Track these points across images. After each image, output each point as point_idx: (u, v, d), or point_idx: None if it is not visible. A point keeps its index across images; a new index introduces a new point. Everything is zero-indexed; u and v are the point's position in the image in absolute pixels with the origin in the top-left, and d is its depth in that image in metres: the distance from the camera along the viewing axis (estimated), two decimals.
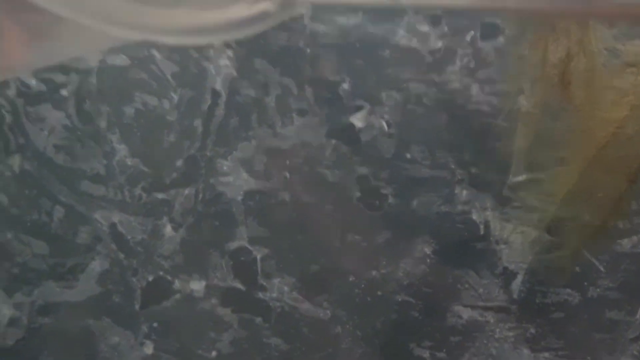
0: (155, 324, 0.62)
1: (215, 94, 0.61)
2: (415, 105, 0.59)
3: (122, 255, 0.62)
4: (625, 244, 0.57)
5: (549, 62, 0.52)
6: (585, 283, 0.58)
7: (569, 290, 0.58)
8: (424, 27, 0.59)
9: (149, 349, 0.62)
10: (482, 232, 0.59)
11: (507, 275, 0.59)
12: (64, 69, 0.61)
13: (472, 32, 0.58)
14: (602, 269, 0.58)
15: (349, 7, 0.59)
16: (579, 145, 0.55)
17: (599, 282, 0.58)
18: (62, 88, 0.61)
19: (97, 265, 0.61)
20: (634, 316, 0.58)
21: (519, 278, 0.59)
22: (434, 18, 0.59)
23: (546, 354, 0.59)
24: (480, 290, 0.60)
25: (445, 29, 0.59)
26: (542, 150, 0.55)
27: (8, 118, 0.62)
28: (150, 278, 0.62)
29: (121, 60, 0.61)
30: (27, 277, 0.61)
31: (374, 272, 0.61)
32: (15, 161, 0.62)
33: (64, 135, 0.61)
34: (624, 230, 0.57)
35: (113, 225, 0.62)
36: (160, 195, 0.61)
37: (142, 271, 0.62)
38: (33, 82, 0.61)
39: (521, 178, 0.58)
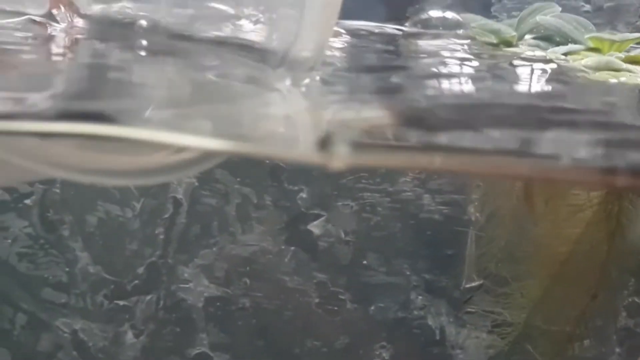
0: None
1: (177, 203, 0.62)
2: (370, 214, 0.61)
3: None
4: (578, 350, 0.59)
5: None
6: None
7: None
8: None
9: None
10: (437, 337, 0.61)
11: None
12: None
13: None
14: None
15: None
16: (543, 260, 0.56)
17: None
18: (27, 198, 0.62)
19: None
20: None
21: None
22: None
23: None
24: None
25: None
26: (508, 263, 0.57)
27: None
28: None
29: None
30: None
31: None
32: None
33: (27, 244, 0.62)
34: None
35: (74, 332, 0.62)
36: (121, 302, 0.62)
37: None
38: None
39: (474, 284, 0.60)
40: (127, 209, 0.62)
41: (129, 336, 0.62)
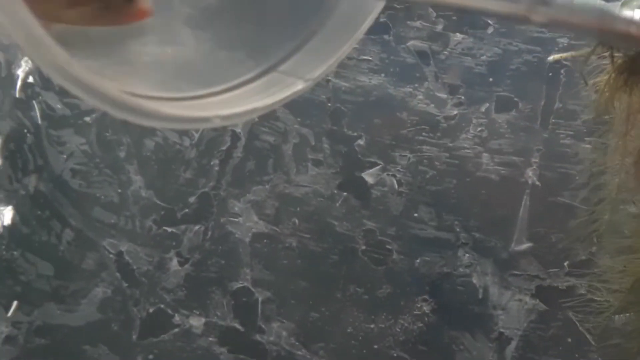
0: (151, 356, 0.62)
1: (235, 137, 0.62)
2: (427, 168, 0.61)
3: (125, 284, 0.62)
4: (618, 320, 0.59)
5: (627, 150, 0.53)
6: (577, 355, 0.60)
7: None
8: (442, 94, 0.61)
9: None
10: (480, 296, 0.61)
11: (502, 341, 0.61)
12: None
13: (487, 104, 0.61)
14: (593, 342, 0.59)
15: (372, 68, 0.62)
16: None
17: (590, 355, 0.59)
18: (87, 115, 0.62)
19: (99, 292, 0.62)
20: None
21: (513, 344, 0.60)
22: (452, 87, 0.62)
23: None
24: (475, 353, 0.61)
25: (462, 97, 0.61)
26: (609, 237, 0.57)
27: (29, 139, 0.63)
28: (151, 310, 0.62)
29: None
30: (29, 296, 0.62)
31: (372, 326, 0.62)
32: (31, 181, 0.63)
33: (82, 161, 0.63)
34: (619, 307, 0.59)
35: (120, 254, 0.63)
36: (170, 229, 0.63)
37: (144, 302, 0.62)
38: (59, 105, 0.63)
39: (523, 247, 0.60)
40: (185, 137, 0.62)
41: (174, 263, 0.62)
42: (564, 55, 0.59)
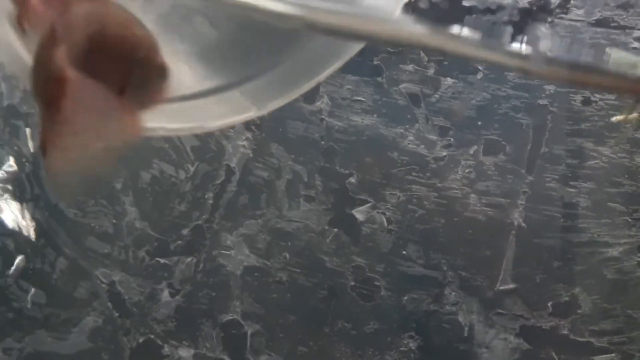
0: None
1: (230, 171, 0.64)
2: (416, 207, 0.63)
3: (116, 314, 0.63)
4: None
5: None
6: None
7: None
8: (432, 136, 0.63)
9: None
10: (466, 334, 0.62)
11: None
12: None
13: (476, 146, 0.63)
14: None
15: (365, 109, 0.64)
16: None
17: None
18: None
19: (90, 321, 0.63)
20: None
21: None
22: (442, 129, 0.63)
23: None
24: None
25: (452, 139, 0.63)
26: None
27: (28, 168, 0.64)
28: (141, 340, 0.63)
29: None
30: (21, 323, 0.62)
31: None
32: (28, 209, 0.64)
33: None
34: (600, 347, 0.60)
35: (112, 284, 0.64)
36: (162, 260, 0.64)
37: (134, 332, 0.63)
38: None
39: (508, 287, 0.61)
40: (181, 171, 0.64)
41: (165, 294, 0.63)
42: (629, 116, 0.60)
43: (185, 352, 0.63)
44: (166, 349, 0.63)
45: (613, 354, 0.60)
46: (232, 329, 0.63)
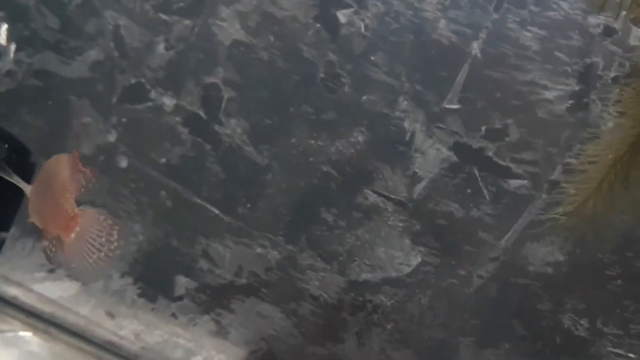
0: (124, 119, 0.73)
1: None
2: (392, 20, 0.71)
3: (116, 54, 0.72)
4: (512, 184, 0.71)
5: None
6: (471, 204, 0.71)
7: (456, 206, 0.72)
8: None
9: (112, 137, 0.73)
10: (407, 138, 0.72)
11: (415, 179, 0.72)
12: None
13: None
14: (487, 197, 0.71)
15: None
16: None
17: (482, 207, 0.71)
18: None
19: (93, 54, 0.72)
20: (499, 241, 0.71)
21: (423, 183, 0.72)
22: None
23: (422, 249, 0.73)
24: (390, 183, 0.73)
25: None
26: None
27: None
28: (133, 81, 0.73)
29: None
30: (34, 42, 0.72)
31: (312, 142, 0.73)
32: None
33: None
34: (516, 173, 0.70)
35: (117, 27, 0.72)
36: (164, 16, 0.72)
37: (129, 73, 0.73)
38: None
39: (453, 106, 0.71)
40: None
41: (161, 47, 0.72)
42: None
43: (168, 100, 0.73)
44: (153, 94, 0.73)
45: (526, 181, 0.71)
46: (212, 91, 0.73)
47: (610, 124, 0.67)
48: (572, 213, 0.66)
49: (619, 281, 0.70)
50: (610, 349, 0.70)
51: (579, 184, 0.64)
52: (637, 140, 0.59)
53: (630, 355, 0.70)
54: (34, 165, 0.60)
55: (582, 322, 0.71)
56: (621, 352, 0.70)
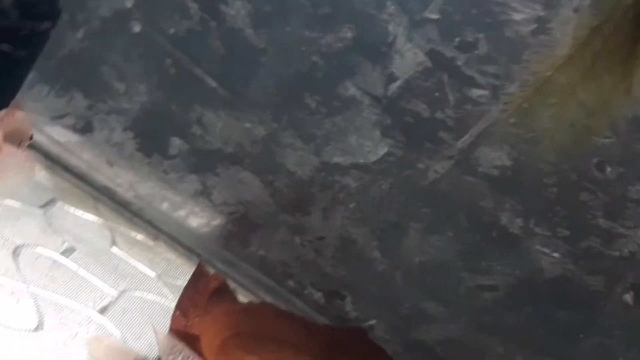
0: None
1: None
2: None
3: None
4: (474, 92, 0.80)
5: None
6: (437, 106, 0.81)
7: (424, 106, 0.81)
8: None
9: (129, 3, 0.82)
10: (390, 40, 0.81)
11: (391, 78, 0.82)
12: None
13: None
14: (451, 102, 0.81)
15: None
16: None
17: (446, 110, 0.81)
18: None
19: None
20: (456, 142, 0.81)
21: (398, 83, 0.81)
22: None
23: (389, 141, 0.83)
24: (369, 79, 0.82)
25: None
26: None
27: None
28: None
29: None
30: None
31: (306, 32, 0.82)
32: None
33: None
34: (479, 83, 0.80)
35: None
36: None
37: None
38: None
39: (433, 16, 0.79)
40: None
41: None
42: None
43: None
44: None
45: (487, 92, 0.80)
46: None
47: (566, 50, 0.76)
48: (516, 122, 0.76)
49: (555, 189, 0.80)
50: (539, 247, 0.81)
51: (526, 94, 0.74)
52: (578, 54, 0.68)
53: (555, 254, 0.81)
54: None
55: (517, 221, 0.81)
56: (547, 251, 0.81)
